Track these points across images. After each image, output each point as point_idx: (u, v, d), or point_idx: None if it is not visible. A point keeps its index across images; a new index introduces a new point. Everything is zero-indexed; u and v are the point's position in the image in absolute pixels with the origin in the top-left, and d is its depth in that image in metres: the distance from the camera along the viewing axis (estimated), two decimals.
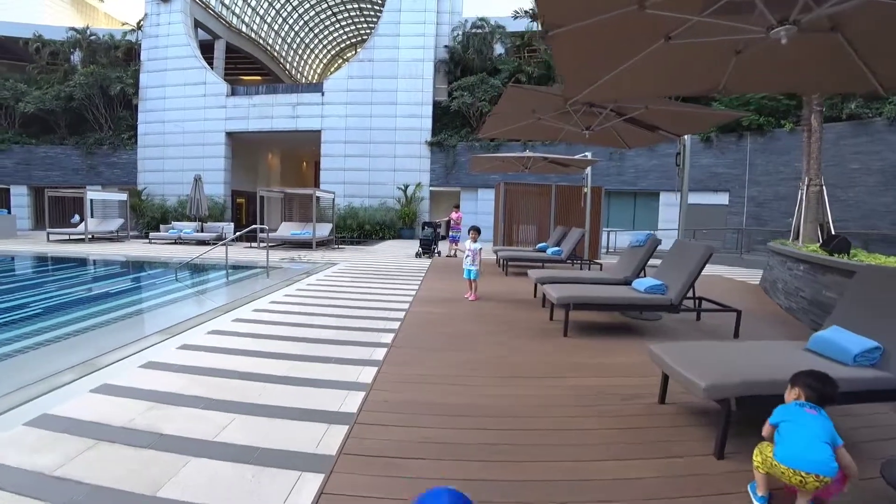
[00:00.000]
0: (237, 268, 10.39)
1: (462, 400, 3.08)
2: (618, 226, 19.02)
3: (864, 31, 2.99)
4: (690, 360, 2.76)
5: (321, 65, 39.99)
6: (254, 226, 9.32)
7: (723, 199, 18.39)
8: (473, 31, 22.84)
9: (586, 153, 10.25)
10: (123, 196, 19.76)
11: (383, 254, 14.03)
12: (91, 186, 22.31)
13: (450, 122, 22.51)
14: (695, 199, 18.65)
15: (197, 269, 10.72)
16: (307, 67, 38.26)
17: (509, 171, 12.41)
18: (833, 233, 8.51)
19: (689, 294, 5.19)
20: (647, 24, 2.93)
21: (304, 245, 15.36)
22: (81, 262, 12.10)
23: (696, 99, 12.07)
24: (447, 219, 14.19)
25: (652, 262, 6.38)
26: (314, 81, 36.30)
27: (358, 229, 20.78)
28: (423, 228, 13.62)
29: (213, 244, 12.21)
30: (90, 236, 17.04)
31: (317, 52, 38.37)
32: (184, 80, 23.52)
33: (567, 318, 4.63)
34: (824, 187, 9.20)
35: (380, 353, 4.03)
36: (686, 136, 6.03)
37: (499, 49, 23.89)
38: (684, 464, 2.39)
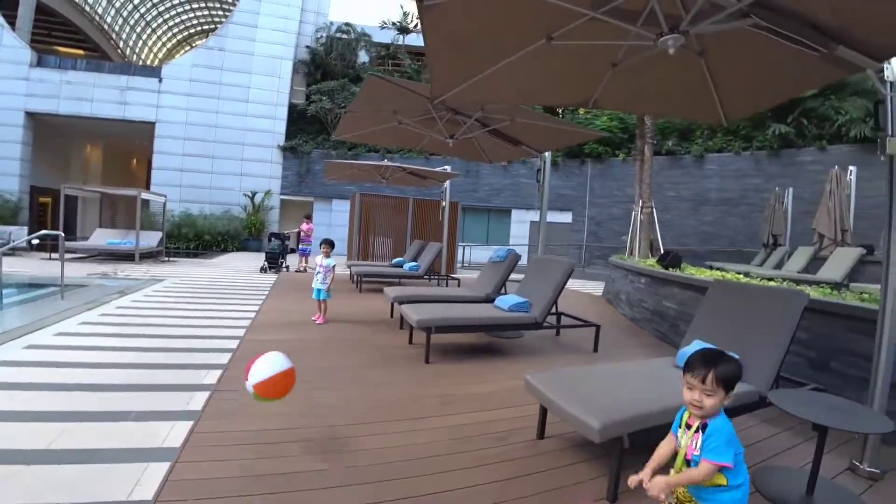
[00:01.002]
0: (31, 286, 8.12)
1: (304, 465, 2.37)
2: (472, 241, 19.59)
3: (722, 63, 3.08)
4: (572, 392, 2.48)
5: (163, 49, 35.19)
6: (43, 231, 7.15)
7: (567, 217, 20.07)
8: (338, 35, 22.05)
9: (445, 167, 10.14)
10: None
11: (223, 268, 12.31)
12: None
13: (306, 126, 21.24)
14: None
15: None
16: (146, 50, 33.33)
17: (366, 181, 11.91)
18: (662, 249, 9.54)
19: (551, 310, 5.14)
20: (531, 16, 2.63)
21: (127, 257, 12.84)
22: None
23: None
24: (297, 230, 13.05)
25: (512, 276, 6.32)
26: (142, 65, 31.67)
27: (196, 239, 18.24)
28: (269, 240, 12.29)
29: None
30: None
31: (160, 33, 33.67)
32: None
33: (429, 343, 4.17)
34: (654, 210, 10.34)
35: (199, 401, 3.10)
36: (546, 153, 6.08)
37: (363, 57, 23.37)
38: None
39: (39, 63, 19.14)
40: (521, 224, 20.47)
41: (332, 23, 22.40)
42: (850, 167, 10.27)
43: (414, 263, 9.04)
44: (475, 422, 3.00)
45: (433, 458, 2.49)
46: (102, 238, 13.79)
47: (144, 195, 13.49)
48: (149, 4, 30.44)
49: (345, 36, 22.05)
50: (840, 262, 8.65)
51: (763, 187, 15.38)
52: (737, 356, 1.72)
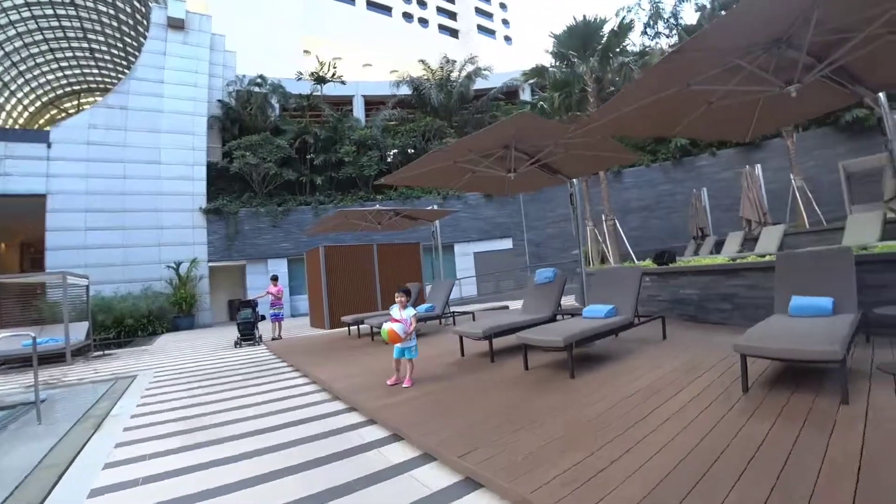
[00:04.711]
0: None
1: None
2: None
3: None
4: (789, 337, 3.37)
5: (25, 112, 30.96)
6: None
7: (507, 244, 21.14)
8: (251, 88, 21.36)
9: (433, 205, 10.37)
10: None
11: (182, 352, 10.36)
12: None
13: (227, 185, 20.15)
14: (482, 247, 20.93)
15: None
16: (3, 114, 29.03)
17: (345, 230, 11.60)
18: (615, 256, 10.65)
19: None
20: (687, 70, 3.26)
21: (49, 359, 10.43)
22: None
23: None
24: (264, 293, 11.88)
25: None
26: (22, 129, 27.39)
27: (116, 326, 15.54)
28: (238, 310, 10.88)
29: None
30: None
31: (20, 95, 29.58)
32: None
33: (572, 359, 4.36)
34: (617, 221, 11.51)
35: (393, 454, 2.97)
36: (574, 179, 6.66)
37: (277, 108, 22.92)
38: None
39: None
40: (464, 257, 21.12)
41: (243, 76, 21.66)
42: (757, 165, 12.37)
43: (429, 305, 8.99)
44: (678, 397, 3.46)
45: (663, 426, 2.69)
46: (13, 340, 11.32)
47: (70, 279, 11.65)
48: (7, 63, 26.76)
49: (258, 89, 21.44)
50: (770, 237, 10.21)
51: (674, 191, 17.90)
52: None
